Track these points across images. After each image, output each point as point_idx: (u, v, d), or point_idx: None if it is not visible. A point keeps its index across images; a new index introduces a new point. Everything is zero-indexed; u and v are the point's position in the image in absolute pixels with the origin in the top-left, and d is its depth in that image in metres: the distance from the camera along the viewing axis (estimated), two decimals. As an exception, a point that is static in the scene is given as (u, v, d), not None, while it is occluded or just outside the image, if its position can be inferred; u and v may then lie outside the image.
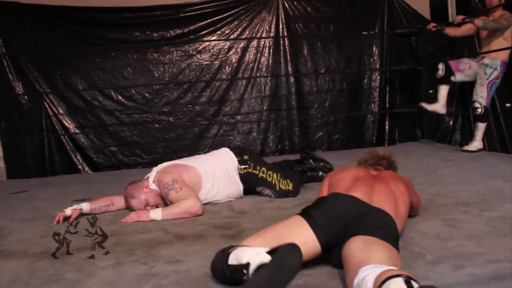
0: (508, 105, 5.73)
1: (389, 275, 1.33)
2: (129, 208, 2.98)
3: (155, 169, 3.03)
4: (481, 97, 4.74)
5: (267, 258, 1.52)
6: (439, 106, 5.04)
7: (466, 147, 4.88)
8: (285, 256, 1.54)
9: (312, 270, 1.78)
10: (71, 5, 5.42)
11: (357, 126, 5.91)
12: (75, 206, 2.86)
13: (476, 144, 4.83)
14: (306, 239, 1.71)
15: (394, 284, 1.29)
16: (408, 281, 1.29)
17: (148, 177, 3.00)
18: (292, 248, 1.57)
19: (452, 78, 4.93)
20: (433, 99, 5.10)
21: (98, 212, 2.95)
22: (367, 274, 1.40)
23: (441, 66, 4.93)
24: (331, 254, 1.75)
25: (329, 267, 1.79)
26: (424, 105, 5.11)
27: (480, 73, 4.78)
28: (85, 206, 2.91)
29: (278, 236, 1.73)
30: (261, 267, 1.51)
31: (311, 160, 3.66)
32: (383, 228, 1.71)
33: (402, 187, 2.09)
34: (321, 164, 3.63)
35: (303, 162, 3.66)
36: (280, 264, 1.52)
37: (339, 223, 1.74)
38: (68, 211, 2.81)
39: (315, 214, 1.78)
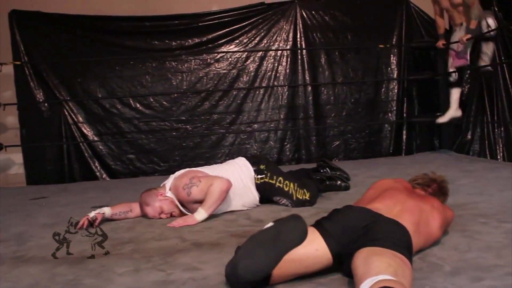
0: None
1: (381, 286, 1.35)
2: (145, 216, 3.00)
3: (172, 176, 3.04)
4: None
5: (271, 224, 1.66)
6: (453, 111, 5.04)
7: (440, 120, 5.05)
8: (287, 220, 1.67)
9: (325, 278, 1.78)
10: (91, 14, 5.52)
11: (374, 135, 5.90)
12: (98, 211, 2.89)
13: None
14: (317, 247, 1.73)
15: None
16: None
17: (164, 185, 3.02)
18: (295, 216, 1.71)
19: (451, 79, 5.04)
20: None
21: (118, 218, 2.98)
22: None
23: (453, 72, 4.99)
24: (343, 265, 1.75)
25: (342, 275, 1.79)
26: (440, 119, 5.10)
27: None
28: (107, 211, 2.94)
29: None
30: (265, 228, 1.66)
31: (327, 168, 3.65)
32: (390, 236, 1.70)
33: (437, 210, 2.06)
34: (338, 173, 3.62)
35: (319, 171, 3.65)
36: (283, 225, 1.63)
37: (349, 234, 1.75)
38: (92, 215, 2.83)
39: (327, 225, 1.81)
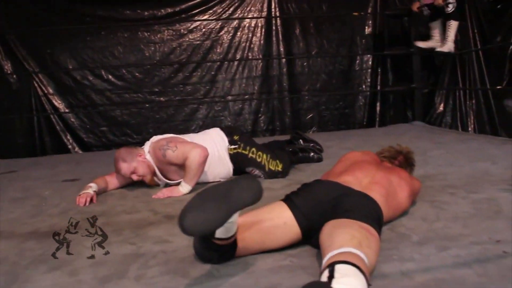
0: (499, 87, 5.74)
1: (333, 261, 1.35)
2: (118, 171, 2.94)
3: (150, 140, 3.03)
4: None
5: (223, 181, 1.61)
6: (435, 41, 5.09)
7: (439, 49, 4.89)
8: (242, 178, 1.61)
9: (296, 250, 1.79)
10: (60, -18, 5.36)
11: (348, 107, 5.93)
12: (90, 189, 2.83)
13: (449, 45, 4.84)
14: (286, 220, 1.75)
15: (340, 271, 1.31)
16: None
17: (143, 148, 3.00)
18: (252, 176, 1.66)
19: (425, 12, 5.02)
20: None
21: (99, 193, 2.94)
22: (324, 262, 1.42)
23: (425, 8, 5.01)
24: (312, 239, 1.77)
25: (313, 248, 1.81)
26: (419, 43, 5.19)
27: None
28: (94, 187, 2.89)
29: (259, 215, 1.78)
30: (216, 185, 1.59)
31: (301, 140, 3.66)
32: (358, 208, 1.71)
33: (404, 181, 2.09)
34: (311, 144, 3.64)
35: (293, 142, 3.66)
36: (236, 182, 1.58)
37: (318, 207, 1.77)
38: (91, 191, 2.80)
39: (296, 200, 1.82)
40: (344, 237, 1.52)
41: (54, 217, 2.49)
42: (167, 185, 3.03)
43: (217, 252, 1.65)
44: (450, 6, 4.64)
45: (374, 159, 2.25)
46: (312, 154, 3.58)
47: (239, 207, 1.55)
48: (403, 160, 2.35)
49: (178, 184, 2.91)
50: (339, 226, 1.60)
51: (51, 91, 5.40)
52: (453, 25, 4.75)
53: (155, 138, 3.04)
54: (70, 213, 2.53)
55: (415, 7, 5.17)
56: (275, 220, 1.75)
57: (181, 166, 2.90)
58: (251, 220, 1.75)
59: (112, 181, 3.05)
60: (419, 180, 2.32)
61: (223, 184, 1.58)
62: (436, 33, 5.07)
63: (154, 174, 2.98)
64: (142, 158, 2.91)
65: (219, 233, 1.57)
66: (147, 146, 2.99)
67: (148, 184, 3.05)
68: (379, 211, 1.80)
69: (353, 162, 2.13)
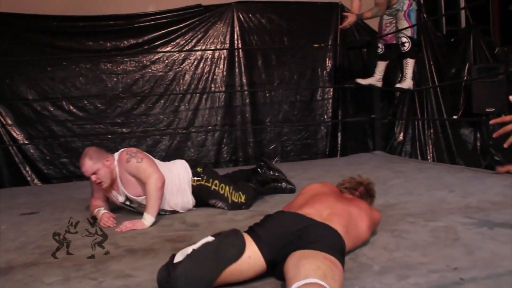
0: (455, 117, 5.96)
1: None
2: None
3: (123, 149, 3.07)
4: (404, 31, 4.84)
5: (211, 239, 1.67)
6: (375, 80, 5.26)
7: (397, 84, 5.02)
8: (227, 235, 1.69)
9: (259, 282, 1.79)
10: (21, 12, 5.30)
11: (310, 137, 6.01)
12: (100, 209, 2.95)
13: (408, 82, 4.96)
14: (251, 253, 1.74)
15: None
16: None
17: (114, 155, 3.01)
18: (235, 231, 1.73)
19: (379, 50, 5.18)
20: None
21: None
22: None
23: (380, 45, 5.16)
24: (276, 270, 1.77)
25: (275, 279, 1.81)
26: (360, 80, 5.34)
27: (396, 16, 4.92)
28: (102, 209, 2.97)
29: None
30: (205, 244, 1.66)
31: (265, 169, 3.67)
32: (322, 240, 1.74)
33: (364, 212, 2.13)
34: (276, 174, 3.65)
35: (258, 171, 3.67)
36: (223, 241, 1.65)
37: (282, 239, 1.78)
38: (105, 211, 2.93)
39: (259, 231, 1.82)
40: (309, 267, 1.54)
41: (11, 252, 2.42)
42: (126, 201, 3.02)
43: None
44: (406, 45, 4.82)
45: (333, 190, 2.29)
46: (284, 184, 3.57)
47: (227, 265, 1.65)
48: (363, 191, 2.38)
49: (140, 205, 2.92)
50: (304, 257, 1.62)
51: (10, 122, 5.28)
52: (410, 63, 4.93)
53: (130, 147, 3.11)
54: (29, 248, 2.46)
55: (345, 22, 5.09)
56: None
57: (139, 181, 2.92)
58: None
59: (99, 204, 3.05)
60: (379, 211, 2.37)
61: (210, 244, 1.65)
62: (379, 71, 5.25)
63: (113, 183, 2.97)
64: (109, 164, 2.92)
65: None
66: (117, 155, 3.00)
67: (104, 192, 3.03)
68: (341, 242, 1.83)
69: (313, 195, 2.16)
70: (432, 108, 6.09)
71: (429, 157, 6.02)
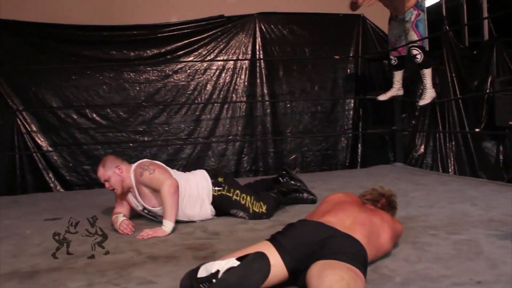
0: (477, 130, 5.90)
1: None
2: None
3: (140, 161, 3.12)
4: (415, 43, 4.76)
5: (236, 263, 1.62)
6: (395, 90, 5.23)
7: (421, 102, 4.94)
8: (253, 261, 1.63)
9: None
10: (47, 21, 5.42)
11: (330, 148, 6.00)
12: (119, 216, 2.98)
13: (429, 93, 4.86)
14: (273, 262, 1.74)
15: None
16: None
17: (131, 164, 3.08)
18: (260, 254, 1.66)
19: (393, 62, 5.13)
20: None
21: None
22: None
23: (393, 57, 5.11)
24: (298, 279, 1.78)
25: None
26: (380, 97, 5.29)
27: (404, 27, 4.85)
28: (121, 215, 3.00)
29: None
30: (230, 270, 1.60)
31: (287, 178, 3.68)
32: (345, 250, 1.75)
33: (387, 223, 2.13)
34: (298, 184, 3.65)
35: (280, 181, 3.67)
36: (249, 267, 1.60)
37: (305, 248, 1.79)
38: (124, 218, 2.95)
39: (282, 240, 1.83)
40: (333, 277, 1.54)
41: (36, 256, 2.46)
42: (144, 210, 3.06)
43: None
44: (418, 56, 4.75)
45: (356, 200, 2.29)
46: (305, 195, 3.55)
47: None
48: (385, 203, 2.36)
49: (159, 215, 2.96)
50: (328, 267, 1.63)
51: (34, 129, 5.38)
52: (427, 73, 4.85)
53: (145, 159, 3.16)
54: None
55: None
56: None
57: (154, 192, 2.97)
58: None
59: (120, 211, 3.08)
60: (401, 223, 2.35)
61: (235, 270, 1.61)
62: (397, 81, 5.22)
63: (128, 192, 3.04)
64: (119, 172, 2.98)
65: None
66: (134, 165, 3.05)
67: (119, 199, 3.06)
68: (364, 252, 1.83)
69: (336, 203, 2.16)
70: (454, 120, 6.04)
71: (450, 170, 5.96)
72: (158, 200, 2.97)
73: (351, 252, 1.76)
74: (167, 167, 3.12)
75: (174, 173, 3.12)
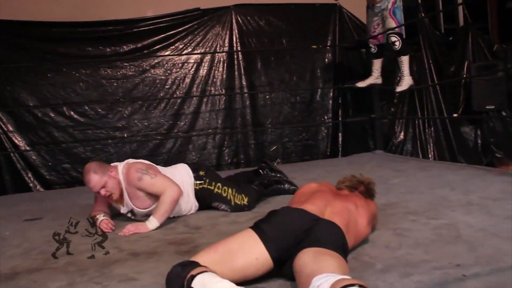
0: (455, 115, 5.96)
1: (344, 284, 1.38)
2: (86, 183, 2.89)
3: (124, 162, 3.01)
4: (393, 30, 4.82)
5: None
6: (374, 78, 5.31)
7: (398, 88, 5.02)
8: None
9: (265, 284, 1.80)
10: (20, 19, 5.32)
11: (311, 138, 6.02)
12: (100, 215, 2.91)
13: (407, 80, 4.94)
14: (258, 255, 1.74)
15: None
16: None
17: (116, 165, 2.96)
18: None
19: (372, 50, 5.21)
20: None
21: None
22: (322, 283, 1.44)
23: (372, 45, 5.17)
24: (284, 267, 1.78)
25: (282, 280, 1.82)
26: (359, 84, 5.36)
27: (382, 15, 4.91)
28: (102, 215, 2.93)
29: (230, 251, 1.76)
30: None
31: (267, 170, 3.68)
32: (332, 239, 1.77)
33: (362, 208, 2.15)
34: (278, 175, 3.66)
35: (260, 173, 3.68)
36: None
37: (290, 236, 1.79)
38: (104, 217, 2.88)
39: (266, 228, 1.82)
40: (332, 263, 1.58)
41: (15, 258, 2.43)
42: (129, 212, 3.01)
43: None
44: (397, 43, 4.81)
45: (330, 188, 2.30)
46: (287, 185, 3.56)
47: None
48: (364, 191, 2.39)
49: (144, 216, 2.91)
50: (322, 253, 1.66)
51: (11, 128, 5.29)
52: (405, 60, 4.91)
53: (131, 160, 3.04)
54: (32, 254, 2.47)
55: None
56: (247, 256, 1.74)
57: (149, 195, 2.89)
58: (222, 257, 1.73)
59: (100, 209, 3.02)
60: (374, 202, 2.39)
61: None
62: (376, 69, 5.27)
63: (121, 194, 2.94)
64: (114, 174, 2.87)
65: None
66: (120, 166, 2.95)
67: (113, 203, 3.01)
68: (344, 241, 1.86)
69: (312, 193, 2.17)
70: (432, 106, 6.09)
71: (430, 156, 6.02)
72: (152, 201, 2.91)
73: (335, 240, 1.78)
74: (157, 166, 3.08)
75: (161, 169, 3.09)
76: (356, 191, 2.36)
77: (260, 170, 3.70)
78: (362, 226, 2.09)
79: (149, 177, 2.85)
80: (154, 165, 3.08)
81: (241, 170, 4.22)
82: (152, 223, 2.78)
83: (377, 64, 5.27)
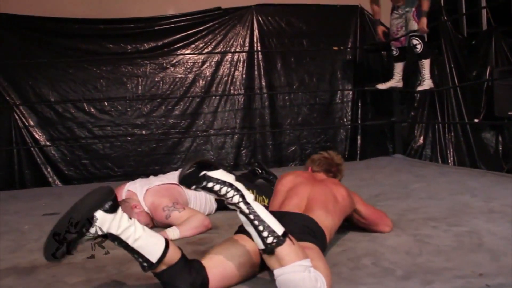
0: (476, 120, 5.88)
1: None
2: None
3: (143, 185, 2.89)
4: (415, 32, 4.77)
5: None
6: (395, 81, 5.25)
7: (419, 88, 5.01)
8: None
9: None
10: (44, 15, 5.38)
11: (329, 140, 5.98)
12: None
13: (427, 82, 4.91)
14: (250, 246, 1.78)
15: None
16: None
17: (130, 191, 2.87)
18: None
19: (394, 53, 5.18)
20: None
21: None
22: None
23: (394, 48, 5.14)
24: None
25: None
26: (380, 85, 5.31)
27: (405, 17, 4.89)
28: None
29: (228, 250, 1.81)
30: None
31: (264, 171, 3.73)
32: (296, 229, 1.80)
33: (338, 184, 2.27)
34: (271, 177, 3.73)
35: (256, 173, 3.72)
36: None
37: None
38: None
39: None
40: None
41: (34, 252, 2.44)
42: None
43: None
44: (418, 46, 4.78)
45: (306, 177, 2.32)
46: None
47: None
48: (336, 171, 2.51)
49: None
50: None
51: (32, 123, 5.36)
52: (426, 64, 4.88)
53: (149, 186, 2.89)
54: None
55: (380, 30, 5.31)
56: (247, 246, 1.80)
57: None
58: (225, 257, 1.77)
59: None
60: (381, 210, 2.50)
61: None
62: (397, 73, 5.23)
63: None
64: (139, 209, 2.78)
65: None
66: (140, 194, 2.83)
67: None
68: (314, 225, 1.92)
69: (289, 189, 2.22)
70: (453, 111, 6.01)
71: (449, 161, 5.95)
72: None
73: (302, 228, 1.85)
74: (172, 184, 2.96)
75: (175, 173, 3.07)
76: (331, 174, 2.46)
77: (257, 170, 3.73)
78: (343, 197, 2.17)
79: (177, 212, 2.73)
80: (173, 183, 2.95)
81: (242, 172, 4.15)
82: (174, 233, 2.62)
83: (398, 68, 5.23)
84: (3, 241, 2.77)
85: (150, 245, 1.61)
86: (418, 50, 4.79)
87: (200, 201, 3.07)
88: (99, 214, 1.57)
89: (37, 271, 2.14)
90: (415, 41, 4.77)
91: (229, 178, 1.64)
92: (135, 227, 1.61)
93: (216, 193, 1.63)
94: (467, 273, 1.80)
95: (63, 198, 4.26)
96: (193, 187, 1.62)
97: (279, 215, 1.82)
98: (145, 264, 1.61)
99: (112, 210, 1.59)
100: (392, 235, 2.38)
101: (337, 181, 2.36)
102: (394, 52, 5.16)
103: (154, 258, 1.60)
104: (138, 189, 2.87)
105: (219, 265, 1.74)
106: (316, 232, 1.90)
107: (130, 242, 1.59)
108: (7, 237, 2.87)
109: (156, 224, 2.85)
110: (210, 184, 1.62)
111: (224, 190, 1.62)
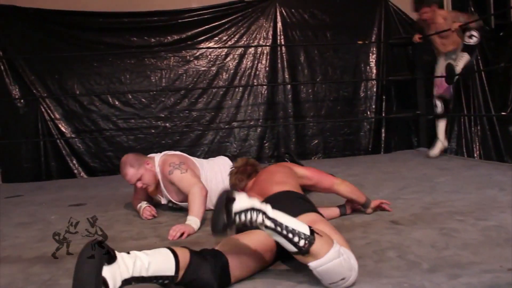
0: (503, 113, 5.76)
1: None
2: (123, 176, 2.93)
3: (162, 153, 3.03)
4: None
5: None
6: (442, 142, 5.03)
7: (431, 152, 4.96)
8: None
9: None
10: (68, 9, 5.43)
11: (353, 134, 5.93)
12: (142, 203, 2.99)
13: (457, 69, 4.65)
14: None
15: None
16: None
17: (153, 157, 2.99)
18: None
19: (438, 110, 5.00)
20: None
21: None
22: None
23: (439, 103, 4.97)
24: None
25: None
26: (431, 153, 5.01)
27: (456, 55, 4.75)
28: (144, 203, 3.01)
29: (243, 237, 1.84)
30: None
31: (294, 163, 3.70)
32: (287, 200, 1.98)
33: (276, 168, 2.45)
34: None
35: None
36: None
37: None
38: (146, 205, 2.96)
39: None
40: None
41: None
42: (169, 203, 3.03)
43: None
44: (474, 38, 4.51)
45: (253, 185, 2.43)
46: None
47: None
48: (252, 169, 2.58)
49: (180, 207, 2.97)
50: None
51: (58, 116, 5.44)
52: (465, 58, 4.62)
53: (168, 152, 3.06)
54: (77, 238, 2.50)
55: (416, 37, 5.17)
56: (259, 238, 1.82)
57: (179, 190, 2.89)
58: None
59: (143, 197, 3.07)
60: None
61: None
62: (442, 131, 5.06)
63: (158, 186, 2.97)
64: (150, 167, 2.90)
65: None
66: (157, 157, 2.97)
67: (150, 195, 3.04)
68: (292, 193, 2.09)
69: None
70: (479, 103, 5.91)
71: (475, 155, 5.86)
72: (183, 196, 2.89)
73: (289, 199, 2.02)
74: (195, 160, 3.09)
75: (199, 162, 3.10)
76: (254, 173, 2.55)
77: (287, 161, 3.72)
78: (285, 173, 2.34)
79: (179, 172, 2.83)
80: (191, 158, 3.09)
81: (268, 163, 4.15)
82: (193, 221, 2.63)
83: (442, 127, 5.02)
84: (30, 231, 2.82)
85: (161, 262, 1.55)
86: (472, 41, 4.49)
87: (213, 187, 3.00)
88: (105, 273, 1.45)
89: (64, 260, 2.17)
90: (474, 32, 4.49)
91: (247, 202, 1.63)
92: (139, 257, 1.53)
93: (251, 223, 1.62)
94: (495, 268, 1.76)
95: (88, 190, 4.32)
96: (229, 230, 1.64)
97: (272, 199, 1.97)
98: (166, 281, 1.56)
99: (111, 258, 1.49)
100: (417, 228, 2.35)
101: (268, 169, 2.46)
102: (438, 109, 4.98)
103: (171, 271, 1.55)
104: (157, 155, 3.01)
105: (233, 249, 1.75)
106: (305, 197, 2.10)
107: (144, 273, 1.51)
108: (34, 227, 2.92)
109: (161, 183, 2.93)
110: (242, 218, 1.61)
111: (252, 217, 1.62)
